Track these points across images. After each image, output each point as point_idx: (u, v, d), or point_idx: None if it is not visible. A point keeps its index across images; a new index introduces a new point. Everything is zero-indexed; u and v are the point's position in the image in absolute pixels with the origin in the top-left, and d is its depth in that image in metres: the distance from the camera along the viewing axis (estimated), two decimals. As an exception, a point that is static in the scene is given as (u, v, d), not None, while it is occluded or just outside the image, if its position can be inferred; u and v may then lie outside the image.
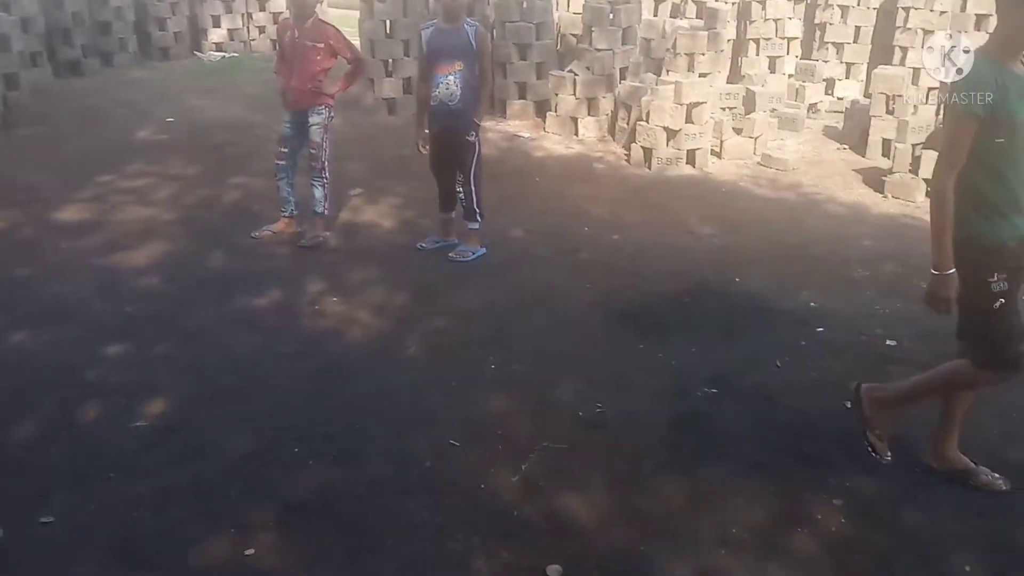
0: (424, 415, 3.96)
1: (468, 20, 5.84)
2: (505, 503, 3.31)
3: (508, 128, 9.90)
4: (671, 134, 8.51)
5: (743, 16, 11.32)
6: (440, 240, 6.25)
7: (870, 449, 3.61)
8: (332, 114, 6.18)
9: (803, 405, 4.13)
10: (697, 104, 8.50)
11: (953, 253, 3.10)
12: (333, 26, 6.19)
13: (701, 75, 10.14)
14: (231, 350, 4.57)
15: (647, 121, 8.58)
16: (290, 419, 3.88)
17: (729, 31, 11.18)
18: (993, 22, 3.81)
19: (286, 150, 6.14)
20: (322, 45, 5.95)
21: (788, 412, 4.07)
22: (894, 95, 8.90)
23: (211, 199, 7.08)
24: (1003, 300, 3.12)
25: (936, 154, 6.95)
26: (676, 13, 11.42)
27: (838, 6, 11.20)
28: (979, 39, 10.55)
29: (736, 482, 3.47)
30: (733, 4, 11.31)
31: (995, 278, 3.12)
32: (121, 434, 3.73)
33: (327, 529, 3.16)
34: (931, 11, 10.38)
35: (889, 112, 8.89)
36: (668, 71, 10.42)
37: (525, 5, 9.92)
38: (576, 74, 9.61)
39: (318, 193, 6.19)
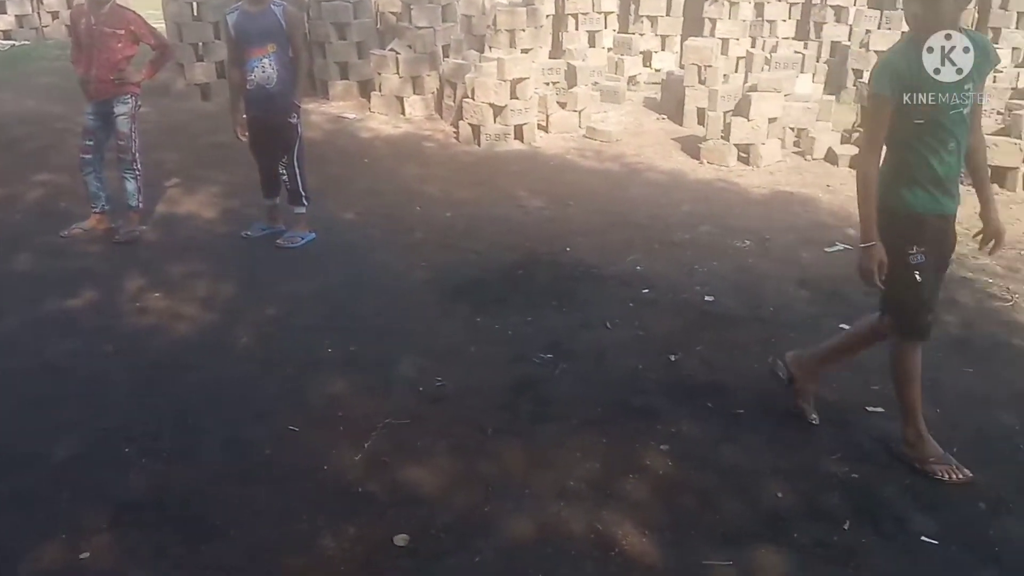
0: (260, 404, 3.90)
1: (275, 0, 5.69)
2: (349, 481, 3.32)
3: (332, 110, 9.76)
4: (497, 110, 8.64)
5: (561, -8, 11.60)
6: (266, 227, 6.11)
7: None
8: (139, 103, 5.92)
9: (631, 362, 4.34)
10: (521, 80, 8.66)
11: (878, 225, 3.27)
12: (132, 11, 5.88)
13: (523, 51, 10.35)
14: (47, 355, 4.30)
15: (473, 98, 8.66)
16: (117, 420, 3.73)
17: (548, 7, 11.45)
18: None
19: (91, 143, 5.81)
20: (123, 31, 5.66)
21: (618, 369, 4.27)
22: (705, 65, 9.38)
23: (11, 198, 6.61)
24: (918, 272, 3.31)
25: (743, 120, 7.30)
26: (495, -10, 11.57)
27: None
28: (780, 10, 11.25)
29: (571, 439, 3.62)
30: (551, -20, 11.57)
31: (913, 250, 3.28)
32: (-72, 453, 3.47)
33: (165, 525, 3.07)
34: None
35: (701, 82, 9.37)
36: (490, 48, 10.57)
37: (342, -16, 9.79)
38: (398, 53, 9.58)
39: (130, 186, 5.91)
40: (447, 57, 9.90)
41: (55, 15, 12.63)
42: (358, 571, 2.87)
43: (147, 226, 6.13)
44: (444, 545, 2.98)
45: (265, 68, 5.58)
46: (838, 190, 7.59)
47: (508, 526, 3.08)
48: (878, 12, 10.89)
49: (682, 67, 10.04)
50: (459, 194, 7.26)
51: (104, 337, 4.52)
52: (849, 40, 10.78)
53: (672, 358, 4.37)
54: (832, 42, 11.23)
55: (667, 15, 11.79)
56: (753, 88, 8.39)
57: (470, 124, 8.76)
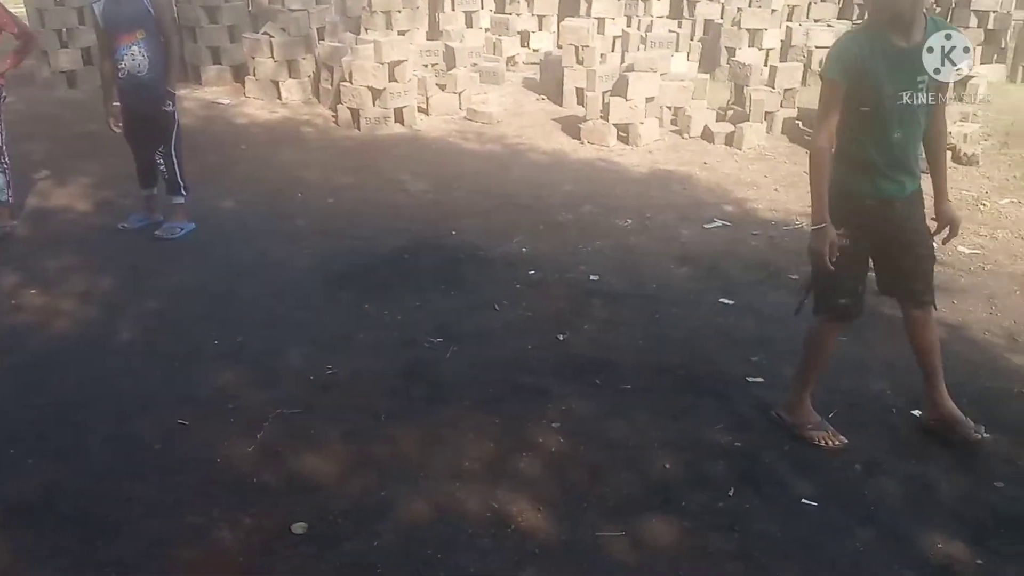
0: (146, 399, 3.81)
1: (141, -16, 5.48)
2: (243, 472, 3.30)
3: (206, 95, 9.48)
4: (376, 93, 8.57)
5: (437, -27, 11.54)
6: (144, 218, 5.91)
7: (824, 443, 3.61)
8: (4, 94, 5.64)
9: (521, 342, 4.43)
10: (399, 62, 8.61)
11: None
12: (-9, -1, 5.59)
13: (400, 33, 10.28)
14: (-91, 360, 4.09)
15: (351, 81, 8.57)
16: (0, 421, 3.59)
17: (424, -12, 11.37)
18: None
19: (-48, 137, 5.50)
20: (-17, 22, 5.37)
21: (507, 350, 4.35)
22: (582, 46, 9.53)
23: None
24: (839, 254, 3.34)
25: (621, 100, 7.44)
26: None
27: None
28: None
29: (464, 420, 3.68)
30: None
31: (841, 230, 3.29)
32: None
33: (57, 525, 3.00)
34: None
35: (579, 62, 9.52)
36: (367, 30, 10.45)
37: (209, -35, 9.48)
38: (272, 36, 9.36)
39: (-1, 180, 5.63)
40: (322, 40, 9.74)
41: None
42: (256, 561, 2.86)
43: (18, 221, 5.88)
44: (342, 530, 3.00)
45: (135, 55, 5.39)
46: (714, 167, 7.89)
47: (405, 508, 3.12)
48: (750, -10, 11.24)
49: (560, 47, 10.17)
50: (341, 179, 7.20)
51: (-26, 339, 4.32)
52: (722, 18, 11.13)
53: (560, 337, 4.49)
54: (705, 20, 11.56)
55: (544, -5, 11.90)
56: (630, 68, 8.59)
57: (349, 108, 8.66)
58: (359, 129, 8.58)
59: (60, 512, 3.07)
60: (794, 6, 11.54)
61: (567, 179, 7.43)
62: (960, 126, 8.08)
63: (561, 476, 3.35)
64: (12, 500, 3.13)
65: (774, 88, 8.92)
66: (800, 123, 8.77)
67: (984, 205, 6.79)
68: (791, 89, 9.04)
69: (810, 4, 11.78)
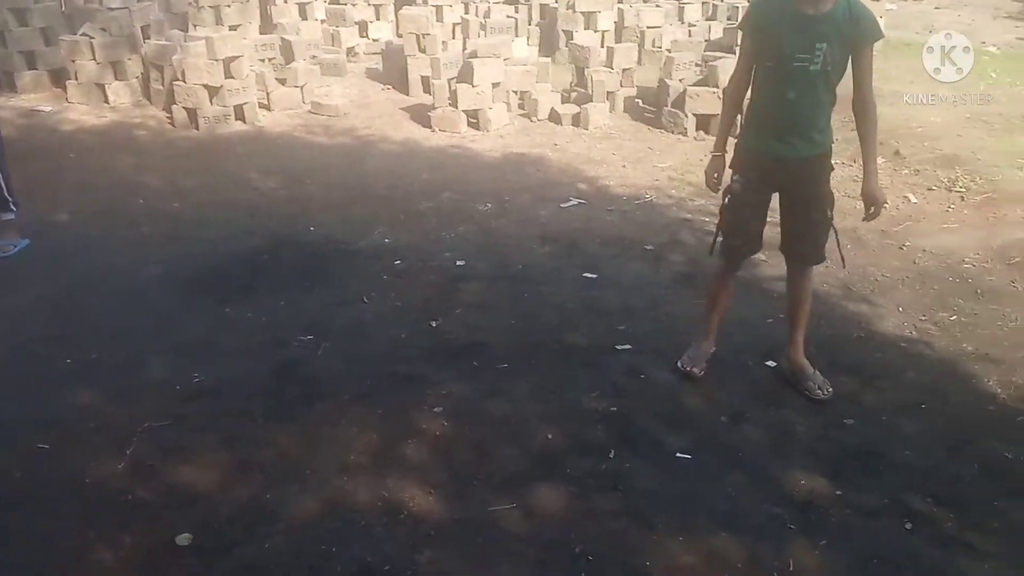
0: (0, 428, 3.54)
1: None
2: (116, 490, 3.13)
3: (23, 103, 8.87)
4: (213, 91, 8.27)
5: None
6: (-29, 239, 5.48)
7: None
8: None
9: (393, 332, 4.41)
10: (234, 58, 8.34)
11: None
12: None
13: (231, 28, 9.94)
14: None
15: (184, 80, 8.22)
16: None
17: (253, -19, 11.04)
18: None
19: None
20: None
21: (381, 341, 4.32)
22: (423, 34, 9.51)
23: None
24: (729, 196, 3.68)
25: (467, 87, 7.48)
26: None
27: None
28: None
29: (345, 415, 3.63)
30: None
31: (736, 177, 3.67)
32: None
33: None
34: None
35: (421, 50, 9.50)
36: (195, 26, 10.06)
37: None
38: (92, 37, 8.84)
39: None
40: (148, 39, 9.28)
41: None
42: (142, 578, 2.74)
43: None
44: (230, 537, 2.91)
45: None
46: (565, 148, 8.06)
47: (294, 508, 3.06)
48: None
49: (400, 36, 10.10)
50: (184, 182, 6.90)
51: None
52: (556, 2, 11.34)
53: (433, 324, 4.49)
54: (541, 5, 11.75)
55: (377, -17, 11.77)
56: (473, 54, 8.64)
57: (185, 108, 8.31)
58: (198, 129, 8.25)
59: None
60: (625, -13, 11.90)
61: (423, 167, 7.41)
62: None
63: (448, 458, 3.37)
64: None
65: (612, 68, 9.18)
66: (640, 101, 9.09)
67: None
68: (628, 69, 9.34)
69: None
